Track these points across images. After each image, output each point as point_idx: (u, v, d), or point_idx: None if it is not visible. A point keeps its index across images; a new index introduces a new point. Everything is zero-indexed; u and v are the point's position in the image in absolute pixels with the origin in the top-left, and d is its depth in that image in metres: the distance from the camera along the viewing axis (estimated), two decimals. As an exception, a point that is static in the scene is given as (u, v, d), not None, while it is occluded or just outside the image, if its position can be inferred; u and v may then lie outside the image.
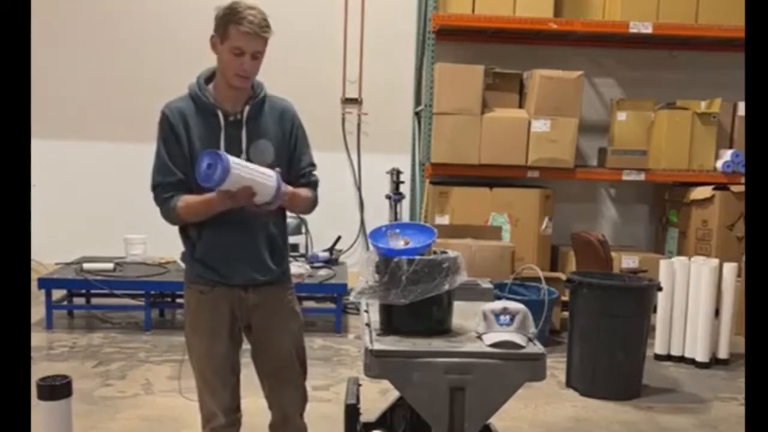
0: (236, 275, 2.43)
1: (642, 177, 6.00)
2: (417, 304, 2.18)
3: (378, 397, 3.76)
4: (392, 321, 2.27)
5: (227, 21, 2.26)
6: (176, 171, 2.34)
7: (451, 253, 2.31)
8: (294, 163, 2.51)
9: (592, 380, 4.19)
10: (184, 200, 2.33)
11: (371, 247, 2.38)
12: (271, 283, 2.49)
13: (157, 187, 2.37)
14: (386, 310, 2.28)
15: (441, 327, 2.29)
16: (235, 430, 2.55)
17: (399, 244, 2.36)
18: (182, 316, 5.50)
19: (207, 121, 2.37)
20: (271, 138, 2.43)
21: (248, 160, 2.35)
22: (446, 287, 2.21)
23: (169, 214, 2.36)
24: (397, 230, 2.42)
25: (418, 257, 2.23)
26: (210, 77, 2.42)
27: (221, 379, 2.48)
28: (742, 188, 5.75)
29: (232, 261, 2.41)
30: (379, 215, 6.11)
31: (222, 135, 2.36)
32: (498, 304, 2.23)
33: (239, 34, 2.25)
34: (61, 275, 5.28)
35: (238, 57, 2.27)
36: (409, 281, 2.19)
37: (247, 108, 2.39)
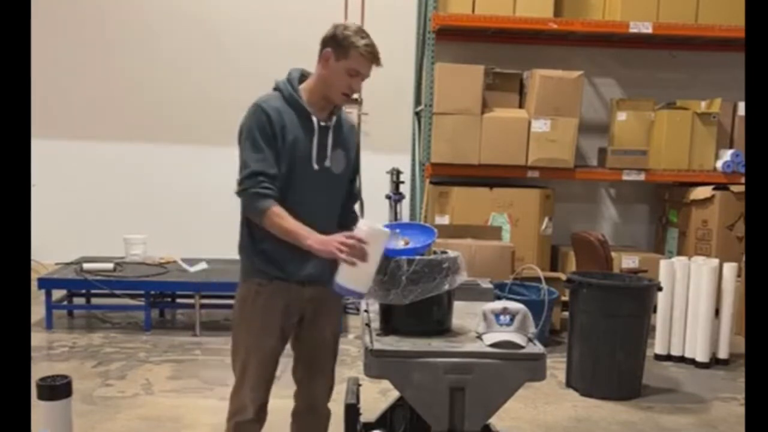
0: (300, 271, 2.42)
1: (642, 177, 6.00)
2: (417, 304, 2.19)
3: (378, 397, 3.76)
4: (392, 321, 2.27)
5: (350, 43, 2.34)
6: (275, 165, 2.33)
7: (451, 253, 2.31)
8: (353, 178, 2.63)
9: (592, 380, 4.19)
10: (280, 214, 2.28)
11: (371, 247, 2.38)
12: (323, 277, 2.47)
13: (258, 175, 2.30)
14: (386, 310, 2.28)
15: (441, 327, 2.29)
16: (260, 427, 2.53)
17: (399, 244, 2.36)
18: (182, 316, 5.56)
19: (303, 124, 2.41)
20: (348, 149, 2.53)
21: (328, 167, 2.43)
22: (446, 287, 2.21)
23: (256, 210, 2.30)
24: (397, 230, 2.42)
25: (418, 257, 2.23)
26: (299, 80, 2.47)
27: (264, 373, 2.47)
28: (742, 188, 5.76)
29: (298, 257, 2.37)
30: (379, 215, 6.10)
31: (315, 139, 2.41)
32: (498, 304, 2.23)
33: (361, 59, 2.35)
34: (61, 275, 5.27)
35: (352, 78, 2.37)
36: (409, 281, 2.18)
37: (334, 117, 2.47)
